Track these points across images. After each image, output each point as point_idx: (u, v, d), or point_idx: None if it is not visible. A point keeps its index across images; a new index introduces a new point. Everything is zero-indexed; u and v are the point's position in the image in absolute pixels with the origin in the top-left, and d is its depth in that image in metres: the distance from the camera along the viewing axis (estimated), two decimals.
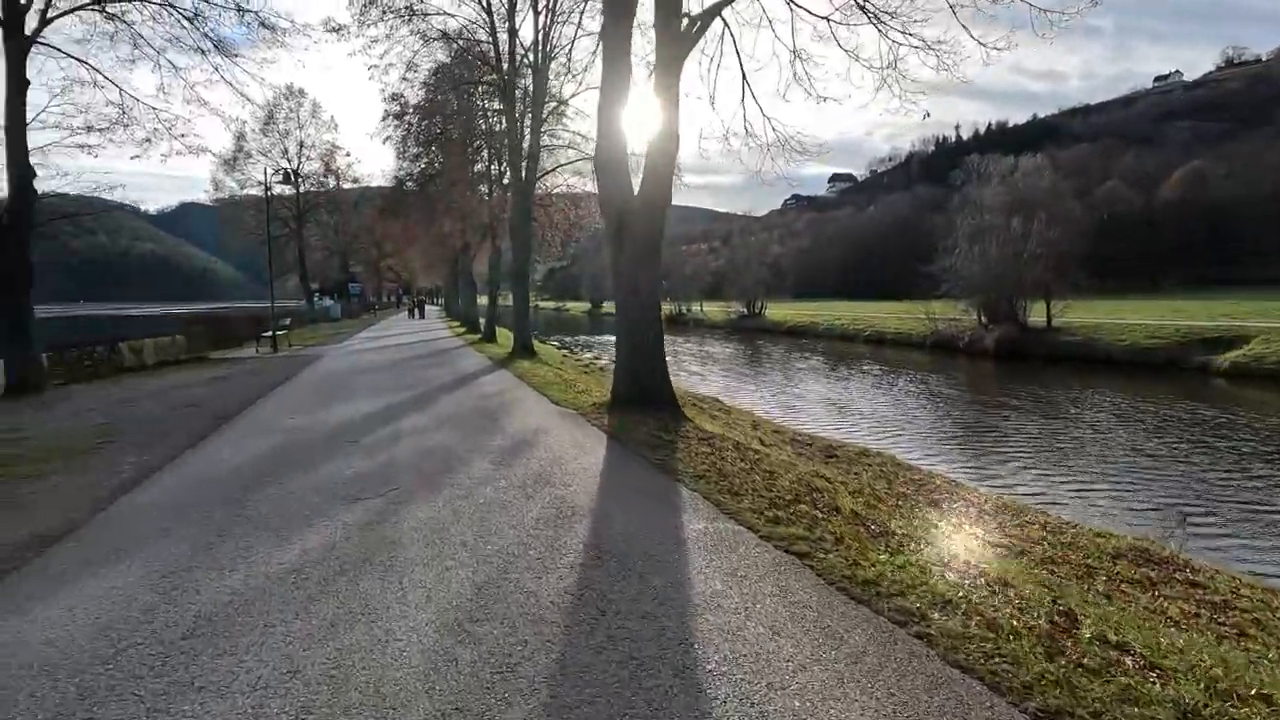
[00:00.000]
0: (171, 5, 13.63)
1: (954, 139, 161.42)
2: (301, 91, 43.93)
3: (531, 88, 18.55)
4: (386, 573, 3.67)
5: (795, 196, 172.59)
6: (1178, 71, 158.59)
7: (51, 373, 13.40)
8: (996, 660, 2.73)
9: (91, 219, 16.96)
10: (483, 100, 22.16)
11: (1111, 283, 47.42)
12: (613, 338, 43.68)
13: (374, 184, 43.04)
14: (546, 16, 17.29)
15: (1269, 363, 21.37)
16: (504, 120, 20.78)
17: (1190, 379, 22.17)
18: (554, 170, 20.96)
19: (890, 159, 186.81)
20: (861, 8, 9.10)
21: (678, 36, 8.79)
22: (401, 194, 29.40)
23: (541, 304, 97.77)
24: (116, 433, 8.22)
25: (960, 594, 3.42)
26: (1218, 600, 5.29)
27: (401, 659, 2.79)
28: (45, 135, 13.74)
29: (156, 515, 4.89)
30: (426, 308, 56.73)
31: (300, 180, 42.40)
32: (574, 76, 18.34)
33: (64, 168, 13.66)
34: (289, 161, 41.76)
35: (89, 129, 13.44)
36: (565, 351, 28.17)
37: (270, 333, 22.08)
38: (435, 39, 19.06)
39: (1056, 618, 3.29)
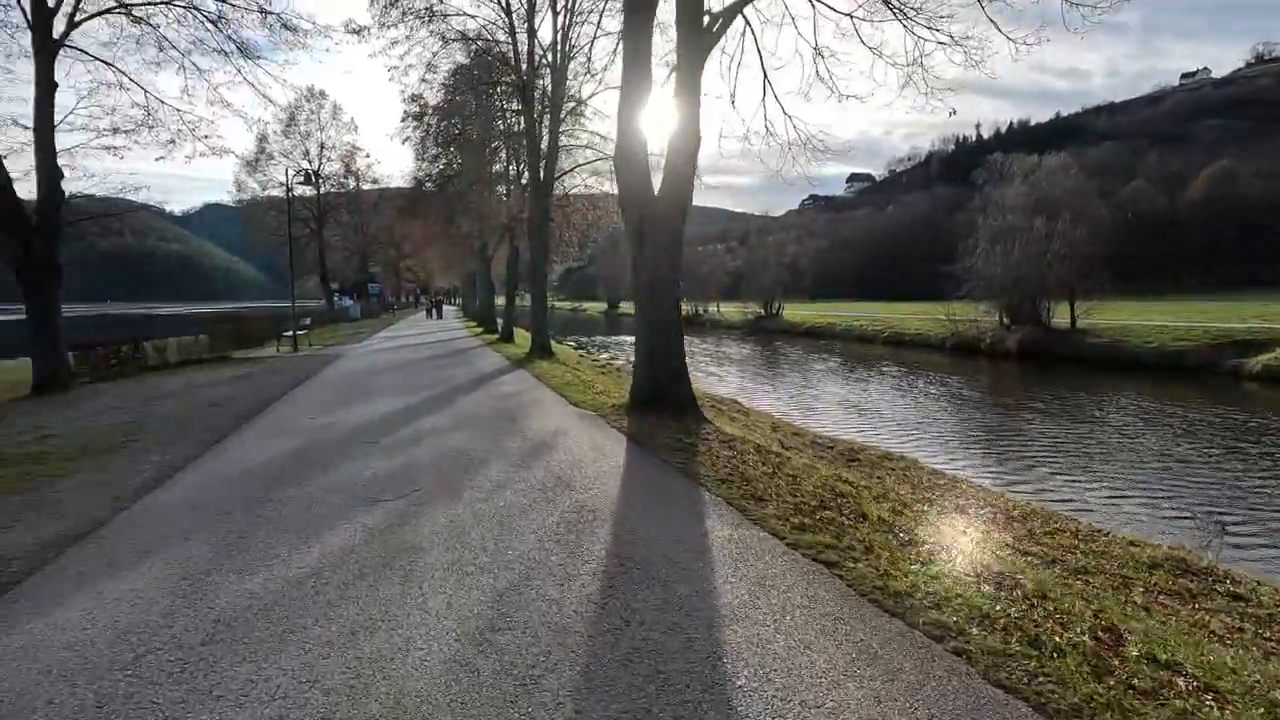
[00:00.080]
0: (195, 8, 13.78)
1: (974, 138, 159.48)
2: (322, 93, 44.36)
3: (550, 88, 18.53)
4: (406, 578, 3.62)
5: (813, 197, 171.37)
6: (1205, 69, 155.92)
7: (77, 371, 13.60)
8: (1041, 680, 2.61)
9: (118, 220, 17.16)
10: (501, 101, 22.18)
11: (1136, 284, 46.57)
12: (629, 338, 43.53)
13: (393, 185, 43.33)
14: (565, 16, 17.27)
15: None
16: (522, 121, 20.79)
17: (1221, 383, 21.64)
18: (572, 170, 20.93)
19: (909, 159, 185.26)
20: (886, 3, 8.95)
21: (699, 34, 8.69)
22: (420, 195, 29.55)
23: (558, 304, 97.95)
24: (140, 431, 8.29)
25: (998, 607, 3.29)
26: (1262, 614, 5.08)
27: (422, 669, 2.72)
28: (73, 137, 14.00)
29: (178, 515, 4.89)
30: (444, 307, 57.05)
31: (321, 181, 42.80)
32: (593, 76, 18.32)
33: (91, 169, 13.91)
34: (310, 162, 42.15)
35: (115, 131, 13.64)
36: (582, 352, 28.13)
37: (291, 332, 22.27)
38: (454, 40, 19.10)
39: (1100, 634, 3.15)
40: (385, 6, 17.07)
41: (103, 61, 13.44)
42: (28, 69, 12.41)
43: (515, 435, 7.66)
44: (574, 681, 2.62)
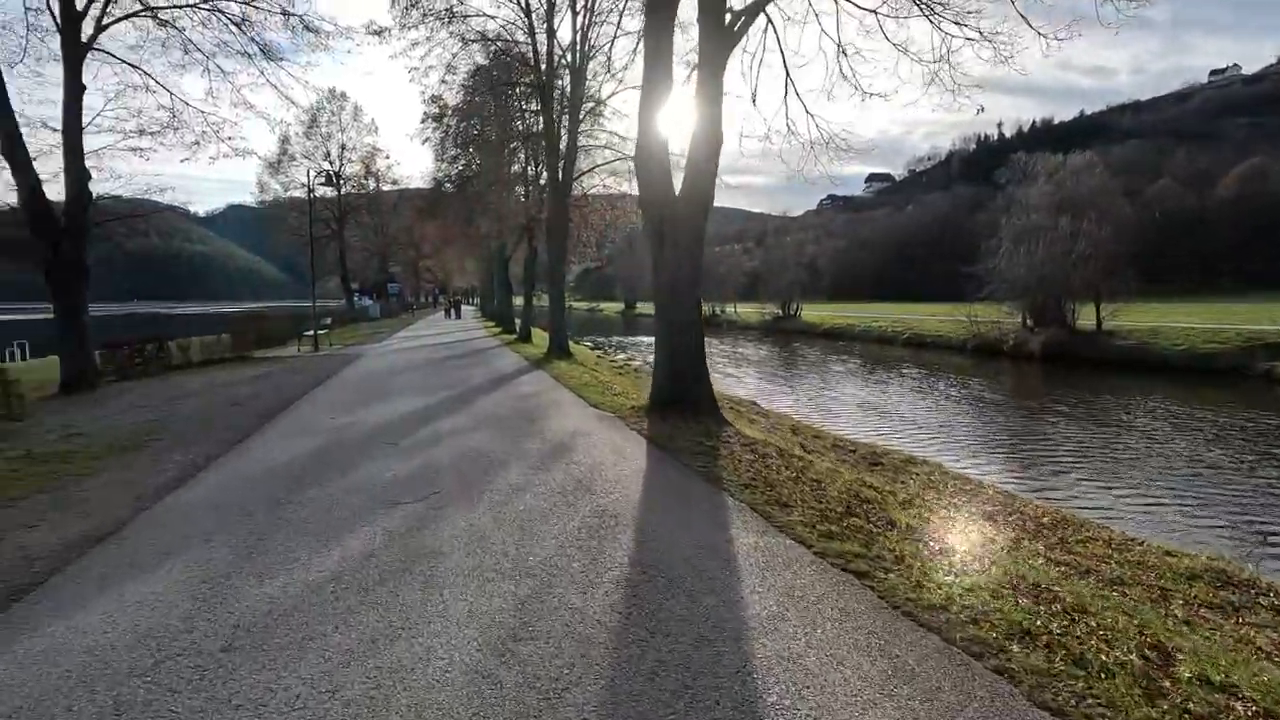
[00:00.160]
0: (219, 10, 13.92)
1: (996, 137, 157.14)
2: (344, 95, 44.90)
3: (569, 88, 18.51)
4: (427, 584, 3.56)
5: (831, 197, 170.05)
6: (1235, 65, 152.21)
7: (104, 370, 13.79)
8: (1090, 703, 2.48)
9: (143, 220, 17.43)
10: (520, 101, 22.20)
11: (1162, 284, 45.59)
12: (646, 339, 43.45)
13: (413, 185, 43.66)
14: (585, 16, 17.23)
15: None
16: (541, 121, 20.80)
17: (1253, 386, 21.07)
18: (590, 171, 20.90)
19: (929, 158, 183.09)
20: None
21: (721, 33, 8.58)
22: (440, 195, 29.72)
23: (575, 304, 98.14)
24: (163, 430, 8.35)
25: (1038, 623, 3.16)
26: None
27: (444, 680, 2.65)
28: (100, 139, 14.16)
29: (199, 516, 4.88)
30: (462, 307, 57.36)
31: (342, 182, 43.24)
32: (613, 76, 18.29)
33: (118, 170, 14.09)
34: (331, 164, 42.63)
35: (141, 132, 13.87)
36: (599, 352, 28.10)
37: (312, 332, 22.48)
38: (474, 41, 19.15)
39: (1148, 652, 3.01)
40: (406, 8, 17.15)
41: (129, 64, 13.67)
42: (57, 72, 12.63)
43: (534, 437, 7.61)
44: (599, 696, 2.54)
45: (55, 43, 12.67)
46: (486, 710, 2.44)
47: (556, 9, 18.16)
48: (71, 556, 4.11)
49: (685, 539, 4.23)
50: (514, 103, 22.09)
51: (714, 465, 6.17)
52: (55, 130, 12.67)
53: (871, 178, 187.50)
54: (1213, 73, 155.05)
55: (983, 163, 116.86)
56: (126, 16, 13.24)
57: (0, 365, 11.70)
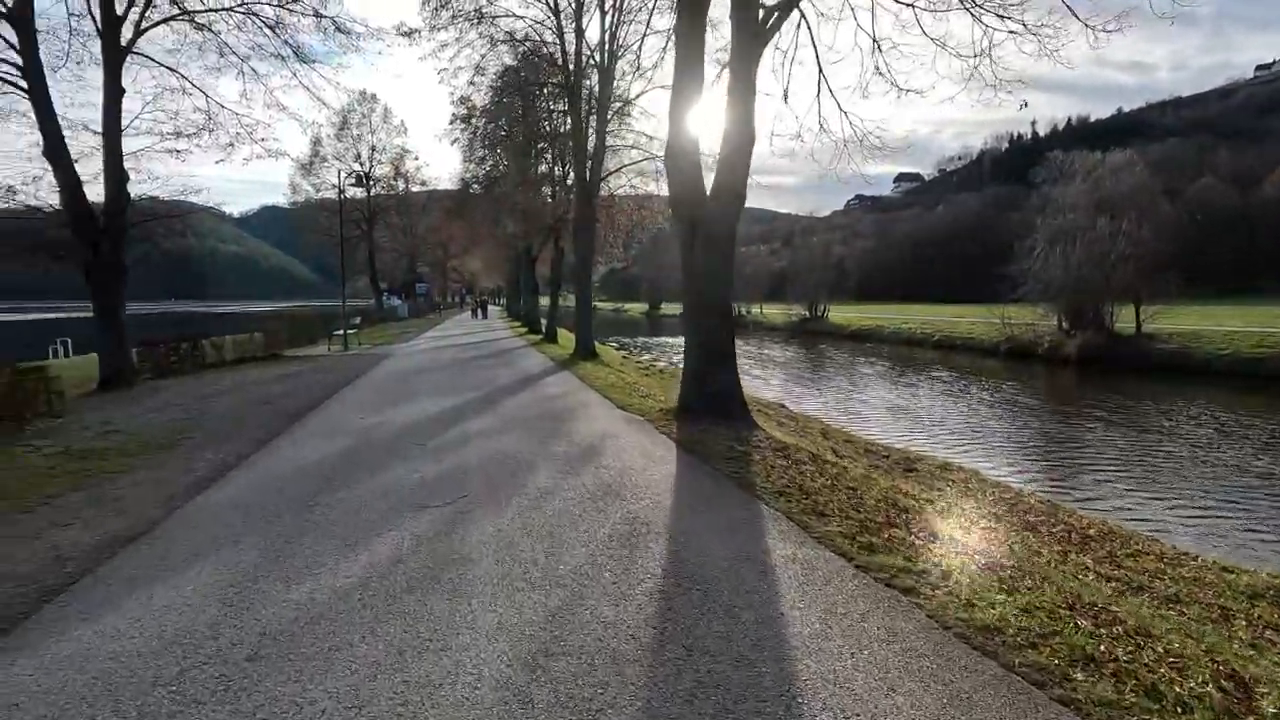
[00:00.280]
0: (254, 13, 14.10)
1: (1029, 136, 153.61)
2: (374, 97, 45.36)
3: (597, 88, 18.44)
4: (455, 593, 3.46)
5: (859, 197, 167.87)
6: None
7: (140, 368, 14.05)
8: None
9: (179, 221, 17.74)
10: (547, 102, 22.21)
11: (1204, 285, 44.02)
12: (671, 339, 43.21)
13: (441, 186, 44.02)
14: (614, 16, 17.14)
15: None
16: (569, 121, 20.77)
17: None
18: (617, 171, 20.81)
19: (960, 157, 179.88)
20: None
21: (754, 29, 8.40)
22: (467, 196, 29.87)
23: (599, 305, 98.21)
24: (196, 428, 8.43)
25: (1101, 647, 2.95)
26: None
27: (473, 697, 2.54)
28: (138, 141, 14.42)
29: (229, 516, 4.86)
30: (489, 308, 57.76)
31: (371, 183, 43.72)
32: (642, 74, 18.20)
33: (154, 172, 14.32)
34: (361, 165, 43.07)
35: (178, 134, 14.09)
36: (624, 353, 28.01)
37: (342, 331, 22.73)
38: (502, 42, 19.22)
39: (1224, 682, 2.79)
40: (436, 9, 17.27)
41: (167, 67, 13.90)
42: (97, 76, 12.89)
43: (562, 439, 7.51)
44: (635, 718, 2.40)
45: (96, 47, 12.93)
46: None
47: (585, 8, 18.11)
48: (103, 557, 4.10)
49: (720, 549, 4.09)
50: (541, 103, 22.11)
51: (746, 471, 6.00)
52: (96, 133, 12.94)
53: (900, 177, 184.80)
54: (1258, 68, 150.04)
55: (1015, 162, 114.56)
56: (164, 20, 13.48)
57: (41, 363, 11.95)
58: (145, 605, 3.37)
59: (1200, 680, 2.76)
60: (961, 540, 4.68)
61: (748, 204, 8.84)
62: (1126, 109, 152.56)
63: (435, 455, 6.77)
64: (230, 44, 14.31)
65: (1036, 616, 3.23)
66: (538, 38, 19.30)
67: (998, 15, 8.24)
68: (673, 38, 11.15)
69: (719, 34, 13.14)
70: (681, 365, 10.98)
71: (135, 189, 13.46)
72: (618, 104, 19.26)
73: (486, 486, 5.54)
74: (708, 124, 11.02)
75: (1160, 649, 3.08)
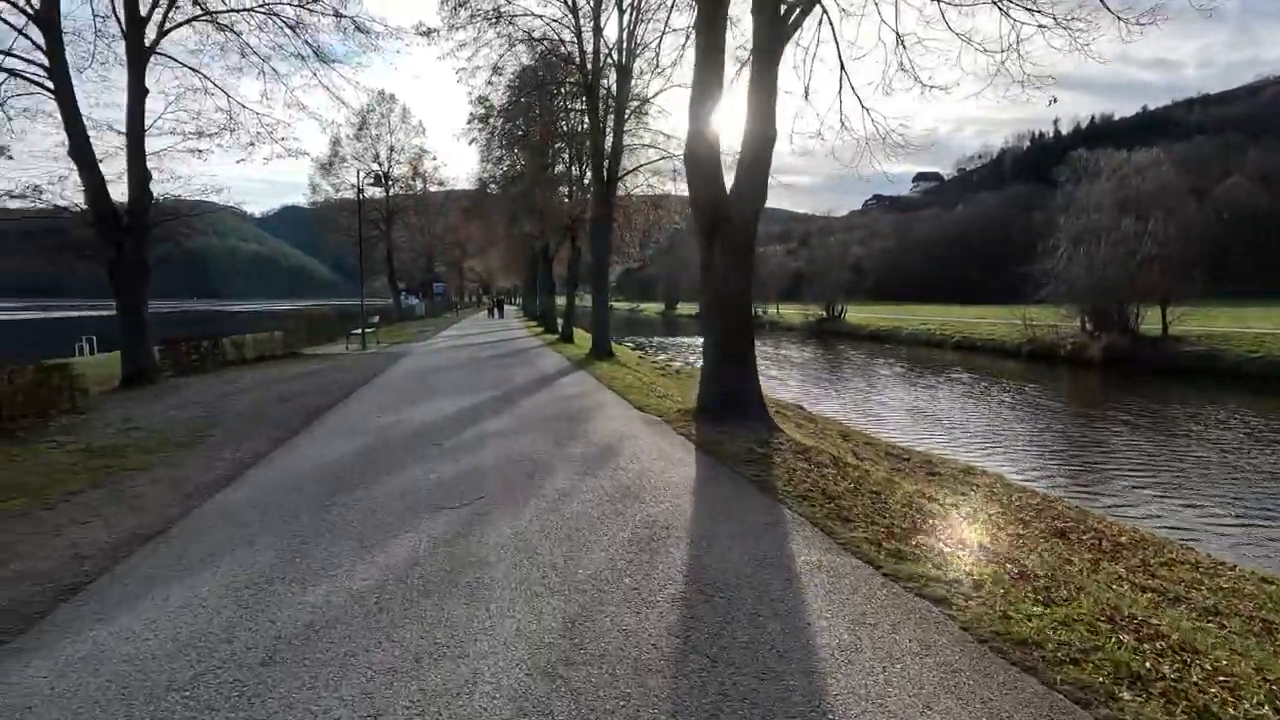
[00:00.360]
0: (275, 14, 14.20)
1: (1052, 134, 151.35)
2: (392, 97, 45.67)
3: (615, 87, 18.37)
4: (472, 597, 3.39)
5: (876, 196, 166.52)
6: None
7: (162, 365, 14.20)
8: None
9: (201, 220, 17.90)
10: (565, 101, 22.17)
11: (1231, 286, 42.96)
12: (687, 340, 43.06)
13: (458, 186, 44.21)
14: (632, 14, 17.06)
15: None
16: (586, 121, 20.71)
17: None
18: (634, 170, 20.72)
19: (980, 156, 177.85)
20: None
21: (776, 25, 8.27)
22: (484, 196, 29.95)
23: (615, 304, 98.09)
24: (215, 427, 8.46)
25: (1146, 664, 2.81)
26: None
27: (490, 707, 2.46)
28: (161, 141, 14.57)
29: (246, 516, 4.84)
30: (505, 307, 57.95)
31: (390, 183, 44.00)
32: (660, 73, 18.07)
33: (176, 171, 14.47)
34: (380, 165, 43.38)
35: (200, 134, 14.23)
36: (641, 353, 27.92)
37: (360, 330, 22.86)
38: (520, 41, 19.19)
39: None
40: (454, 8, 17.27)
41: (189, 68, 14.04)
42: (122, 77, 13.04)
43: (579, 440, 7.44)
44: None
45: (120, 47, 13.09)
46: None
47: (604, 7, 18.04)
48: (120, 555, 4.09)
49: (742, 555, 3.98)
50: (559, 102, 22.07)
51: (767, 474, 5.89)
52: (120, 133, 13.10)
53: (919, 177, 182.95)
54: None
55: (1037, 161, 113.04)
56: (187, 21, 13.60)
57: (66, 360, 12.10)
58: (161, 606, 3.34)
59: (1255, 702, 2.61)
60: (991, 548, 4.54)
61: (765, 204, 8.71)
62: (1151, 107, 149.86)
63: (452, 455, 6.72)
64: (251, 44, 14.44)
65: (1076, 630, 3.09)
66: (555, 37, 19.27)
67: (1027, 9, 8.04)
68: (692, 35, 11.04)
69: (738, 31, 12.99)
70: (699, 365, 10.88)
71: (158, 188, 13.61)
72: (635, 103, 19.17)
73: (504, 488, 5.48)
74: (727, 123, 10.91)
75: (1208, 666, 2.93)
